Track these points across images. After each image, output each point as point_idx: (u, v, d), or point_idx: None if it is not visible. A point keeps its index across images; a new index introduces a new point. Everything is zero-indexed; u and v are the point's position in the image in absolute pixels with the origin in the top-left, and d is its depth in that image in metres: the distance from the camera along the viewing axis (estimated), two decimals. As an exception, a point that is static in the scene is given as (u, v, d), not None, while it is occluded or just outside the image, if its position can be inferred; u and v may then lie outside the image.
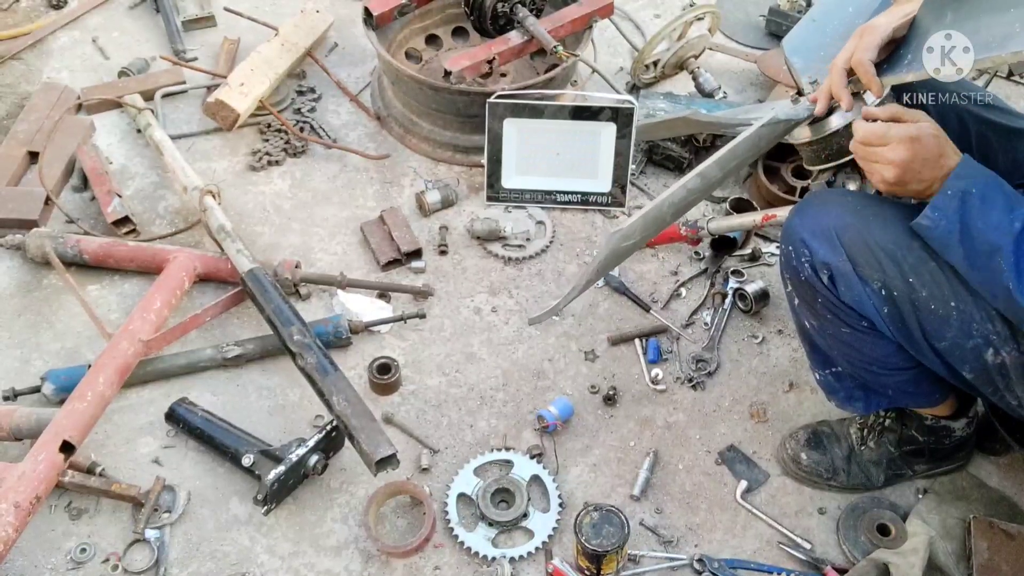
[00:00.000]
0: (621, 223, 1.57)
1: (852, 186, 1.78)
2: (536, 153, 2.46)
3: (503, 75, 2.76)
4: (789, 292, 1.72)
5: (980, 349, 1.51)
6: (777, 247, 2.32)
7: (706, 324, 2.25)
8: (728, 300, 2.27)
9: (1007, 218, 1.38)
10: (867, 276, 1.52)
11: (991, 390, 1.58)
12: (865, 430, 1.91)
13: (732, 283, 2.27)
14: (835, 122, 1.61)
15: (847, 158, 1.61)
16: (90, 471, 1.90)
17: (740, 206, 2.38)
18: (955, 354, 1.54)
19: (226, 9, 2.99)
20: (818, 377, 1.85)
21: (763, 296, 2.24)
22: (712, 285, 2.32)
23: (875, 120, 1.47)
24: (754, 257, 2.37)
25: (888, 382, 1.71)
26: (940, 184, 1.42)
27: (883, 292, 1.52)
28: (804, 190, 2.38)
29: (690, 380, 2.13)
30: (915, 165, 1.42)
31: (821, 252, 1.55)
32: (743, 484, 1.95)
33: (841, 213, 1.56)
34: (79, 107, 2.72)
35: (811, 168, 1.71)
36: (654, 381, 2.13)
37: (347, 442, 1.89)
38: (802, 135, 1.66)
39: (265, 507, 1.84)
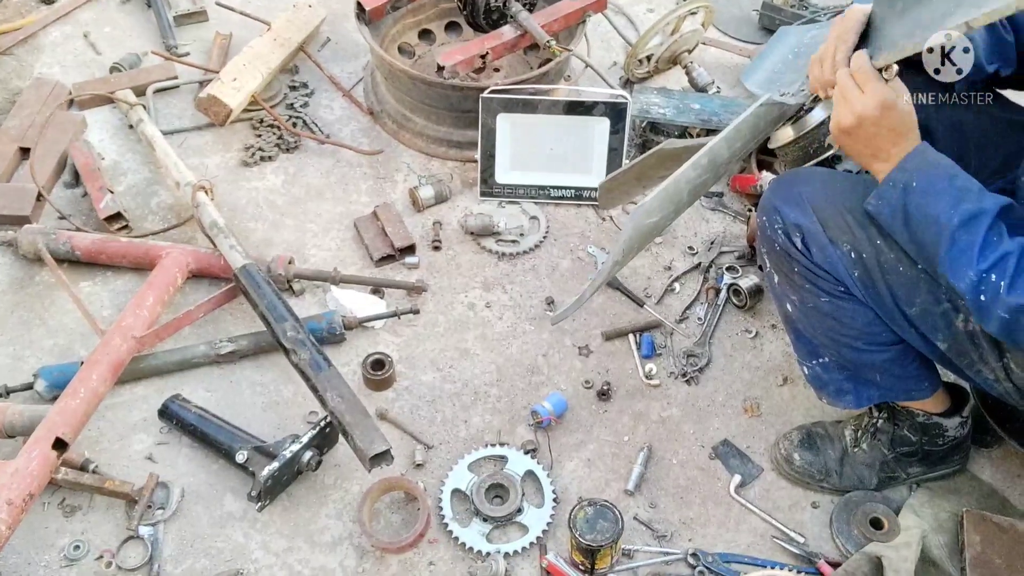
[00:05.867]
0: (642, 200, 1.62)
1: None
2: (530, 148, 2.46)
3: (496, 70, 2.76)
4: (768, 271, 1.75)
5: (950, 315, 1.54)
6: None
7: (699, 319, 2.25)
8: (722, 295, 2.27)
9: (948, 212, 1.38)
10: (836, 238, 1.57)
11: (967, 362, 1.59)
12: (859, 431, 1.91)
13: (727, 279, 2.27)
14: (817, 115, 1.63)
15: (833, 151, 1.64)
16: (83, 468, 1.89)
17: None
18: (927, 321, 1.56)
19: (218, 4, 2.98)
20: (806, 372, 1.85)
21: (757, 291, 2.24)
22: (705, 280, 2.32)
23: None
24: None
25: (873, 363, 1.71)
26: (886, 166, 1.44)
27: (852, 254, 1.57)
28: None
29: (683, 375, 2.13)
30: (872, 128, 1.42)
31: (792, 215, 1.61)
32: (737, 478, 1.95)
33: (810, 180, 1.64)
34: (71, 103, 2.71)
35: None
36: (648, 376, 2.13)
37: (341, 438, 1.90)
38: (785, 136, 1.68)
39: (259, 503, 1.84)
